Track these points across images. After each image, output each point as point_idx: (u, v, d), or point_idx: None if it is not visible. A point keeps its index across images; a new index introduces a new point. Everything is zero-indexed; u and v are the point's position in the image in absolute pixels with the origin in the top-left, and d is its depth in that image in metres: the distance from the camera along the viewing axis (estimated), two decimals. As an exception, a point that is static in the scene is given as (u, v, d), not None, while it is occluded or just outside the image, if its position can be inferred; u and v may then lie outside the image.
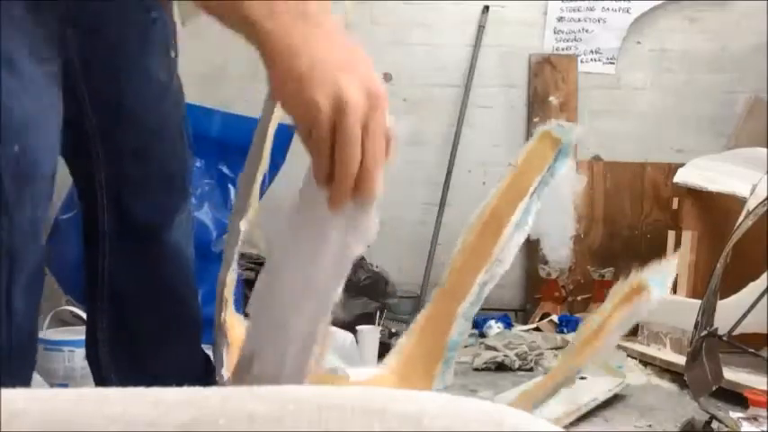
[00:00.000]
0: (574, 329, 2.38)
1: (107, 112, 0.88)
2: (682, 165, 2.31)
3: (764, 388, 1.48)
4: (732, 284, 1.64)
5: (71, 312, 1.88)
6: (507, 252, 0.81)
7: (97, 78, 0.85)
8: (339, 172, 0.61)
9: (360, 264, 2.49)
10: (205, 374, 1.01)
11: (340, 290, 0.68)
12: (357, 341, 1.88)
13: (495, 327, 2.40)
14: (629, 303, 0.80)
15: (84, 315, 1.64)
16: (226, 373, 0.85)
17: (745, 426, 1.34)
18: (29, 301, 0.75)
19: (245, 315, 2.33)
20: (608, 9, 2.85)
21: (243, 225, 0.82)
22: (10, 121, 0.69)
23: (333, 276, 0.67)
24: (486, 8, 2.83)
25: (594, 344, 0.82)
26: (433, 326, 0.91)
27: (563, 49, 2.86)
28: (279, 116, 0.79)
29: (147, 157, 0.92)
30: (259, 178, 0.84)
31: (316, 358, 0.68)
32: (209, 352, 1.47)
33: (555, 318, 2.58)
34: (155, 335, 1.00)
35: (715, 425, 1.36)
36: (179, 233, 1.01)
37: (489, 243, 0.81)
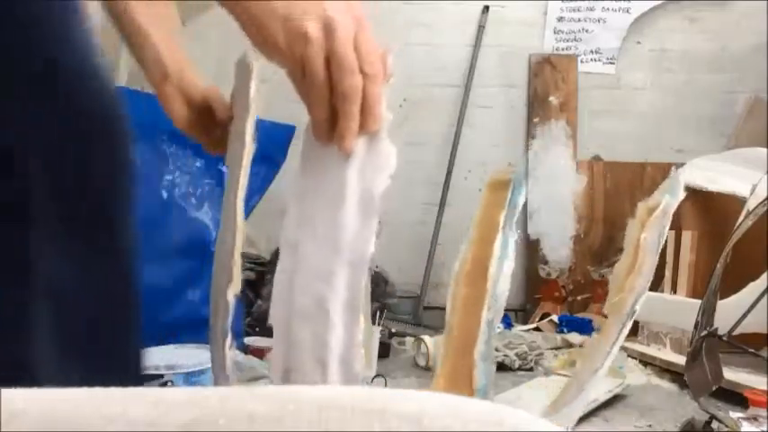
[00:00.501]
0: (574, 329, 2.39)
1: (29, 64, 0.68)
2: (682, 165, 2.31)
3: (764, 388, 1.48)
4: (732, 284, 1.64)
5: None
6: (502, 284, 0.80)
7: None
8: (343, 106, 0.60)
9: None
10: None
11: (373, 240, 0.62)
12: (357, 341, 1.88)
13: (495, 327, 2.41)
14: (651, 221, 0.82)
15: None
16: None
17: (745, 426, 1.34)
18: None
19: (247, 314, 2.32)
20: (608, 9, 2.85)
21: (231, 296, 0.73)
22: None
23: (362, 224, 0.62)
24: (486, 8, 2.83)
25: (636, 269, 0.81)
26: (454, 383, 0.87)
27: (563, 49, 2.86)
28: (245, 183, 0.72)
29: (82, 113, 0.74)
30: (238, 254, 0.73)
31: (362, 333, 0.62)
32: (203, 350, 1.48)
33: (555, 318, 2.58)
34: (98, 334, 0.87)
35: (715, 425, 1.36)
36: (131, 230, 0.89)
37: (480, 286, 0.79)
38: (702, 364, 1.41)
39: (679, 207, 2.48)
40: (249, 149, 0.71)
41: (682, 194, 0.78)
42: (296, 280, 0.64)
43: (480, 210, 0.82)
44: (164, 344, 1.52)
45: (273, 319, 0.65)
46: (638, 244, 0.82)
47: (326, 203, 0.63)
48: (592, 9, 2.85)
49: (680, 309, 1.98)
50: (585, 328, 2.40)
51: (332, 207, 0.63)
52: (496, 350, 2.08)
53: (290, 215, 0.66)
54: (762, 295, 1.56)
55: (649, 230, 0.80)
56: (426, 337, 2.02)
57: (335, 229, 0.62)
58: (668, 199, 0.79)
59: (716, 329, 1.43)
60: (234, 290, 0.72)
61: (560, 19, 2.86)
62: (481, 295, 0.78)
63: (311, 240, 0.63)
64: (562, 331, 2.46)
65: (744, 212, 1.70)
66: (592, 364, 0.81)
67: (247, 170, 0.71)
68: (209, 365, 1.48)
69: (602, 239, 2.81)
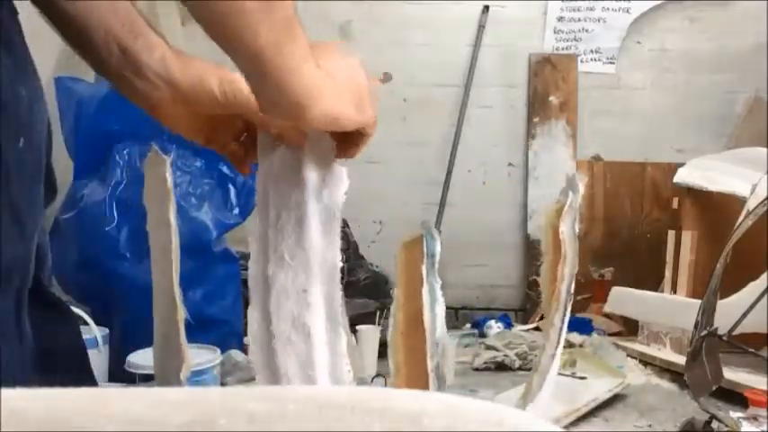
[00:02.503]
0: (574, 329, 2.39)
1: None
2: (682, 165, 2.31)
3: (764, 388, 1.48)
4: (732, 284, 1.64)
5: (71, 312, 1.88)
6: (439, 329, 0.83)
7: None
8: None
9: (360, 264, 2.49)
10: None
11: (339, 251, 0.68)
12: (357, 341, 1.89)
13: (495, 327, 2.40)
14: (564, 216, 0.88)
15: (85, 315, 1.65)
16: None
17: (745, 426, 1.34)
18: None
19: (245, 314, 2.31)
20: (608, 9, 2.85)
21: (184, 377, 0.74)
22: (17, 110, 0.59)
23: (327, 239, 0.67)
24: (486, 8, 2.83)
25: (562, 259, 0.87)
26: None
27: (563, 49, 2.86)
28: (178, 267, 0.74)
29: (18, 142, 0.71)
30: (183, 337, 0.74)
31: (345, 344, 0.67)
32: (203, 350, 1.48)
33: (555, 318, 2.58)
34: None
35: (715, 425, 1.36)
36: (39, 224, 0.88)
37: (419, 338, 0.82)
38: (702, 364, 1.41)
39: (679, 207, 2.49)
40: (176, 234, 0.73)
41: (582, 189, 0.86)
42: (271, 309, 0.67)
43: (400, 270, 0.86)
44: (164, 344, 1.51)
45: (253, 354, 0.68)
46: (557, 240, 0.88)
47: (290, 229, 0.67)
48: (592, 9, 2.85)
49: (680, 309, 1.98)
50: (585, 328, 2.40)
51: (296, 230, 0.67)
52: (496, 350, 2.08)
53: (254, 253, 0.70)
54: (762, 295, 1.56)
55: (564, 224, 0.87)
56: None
57: (302, 249, 0.67)
58: (572, 196, 0.87)
59: (716, 329, 1.43)
60: (186, 372, 0.73)
61: (560, 19, 2.86)
62: (422, 347, 0.81)
63: (281, 268, 0.67)
64: (562, 331, 2.46)
65: (744, 212, 1.70)
66: (548, 350, 0.88)
67: (178, 254, 0.73)
68: (210, 365, 1.48)
69: (602, 239, 2.81)
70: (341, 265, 0.67)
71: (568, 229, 0.89)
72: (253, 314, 0.69)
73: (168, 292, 0.74)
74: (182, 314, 0.73)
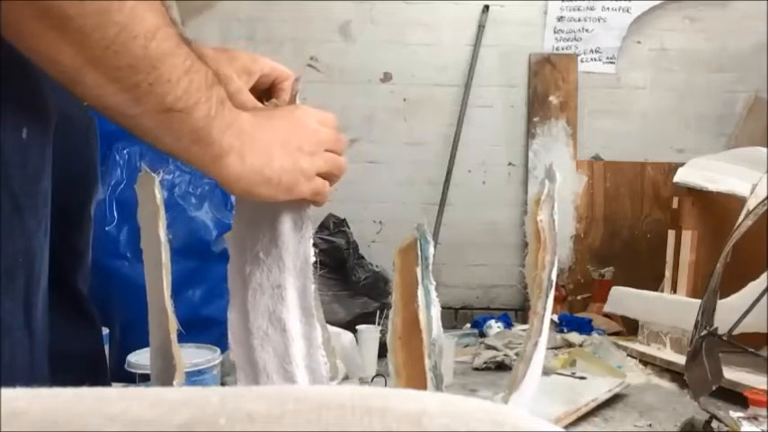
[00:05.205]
0: (574, 329, 2.39)
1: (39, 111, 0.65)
2: (682, 164, 2.31)
3: (764, 388, 1.48)
4: (732, 284, 1.64)
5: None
6: (435, 329, 0.84)
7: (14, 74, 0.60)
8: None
9: (360, 264, 2.49)
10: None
11: (311, 244, 0.70)
12: (357, 341, 1.88)
13: (495, 326, 2.40)
14: (542, 205, 0.90)
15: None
16: None
17: (745, 425, 1.34)
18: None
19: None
20: (608, 9, 2.85)
21: (177, 383, 0.76)
22: (19, 99, 0.60)
23: (298, 235, 0.69)
24: (486, 8, 2.83)
25: (542, 247, 0.89)
26: None
27: (563, 49, 2.86)
28: (169, 280, 0.77)
29: (64, 146, 0.72)
30: (176, 348, 0.76)
31: (321, 337, 0.69)
32: (203, 350, 1.48)
33: (555, 317, 2.58)
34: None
35: (715, 424, 1.36)
36: (83, 234, 0.91)
37: (416, 341, 0.83)
38: (702, 364, 1.41)
39: (679, 207, 2.49)
40: (166, 249, 0.75)
41: (559, 178, 0.88)
42: (249, 307, 0.70)
43: (397, 276, 0.88)
44: (164, 344, 1.52)
45: (234, 351, 0.70)
46: (538, 230, 0.90)
47: (265, 228, 0.69)
48: (592, 8, 2.85)
49: (680, 309, 1.98)
50: (585, 327, 2.40)
51: (270, 229, 0.69)
52: (496, 349, 2.08)
53: (232, 254, 0.72)
54: (762, 295, 1.56)
55: (543, 212, 0.91)
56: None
57: (276, 246, 0.69)
58: (549, 184, 0.89)
59: (716, 329, 1.43)
60: (179, 379, 0.75)
61: (560, 18, 2.86)
62: (420, 350, 0.82)
63: (257, 266, 0.69)
64: (562, 331, 2.46)
65: (744, 212, 1.70)
66: (531, 339, 0.90)
67: (169, 268, 0.75)
68: (210, 365, 1.48)
69: (602, 239, 2.81)
70: (313, 259, 0.69)
71: (547, 218, 0.90)
72: (232, 313, 0.71)
73: (160, 304, 0.76)
74: (174, 325, 0.75)
